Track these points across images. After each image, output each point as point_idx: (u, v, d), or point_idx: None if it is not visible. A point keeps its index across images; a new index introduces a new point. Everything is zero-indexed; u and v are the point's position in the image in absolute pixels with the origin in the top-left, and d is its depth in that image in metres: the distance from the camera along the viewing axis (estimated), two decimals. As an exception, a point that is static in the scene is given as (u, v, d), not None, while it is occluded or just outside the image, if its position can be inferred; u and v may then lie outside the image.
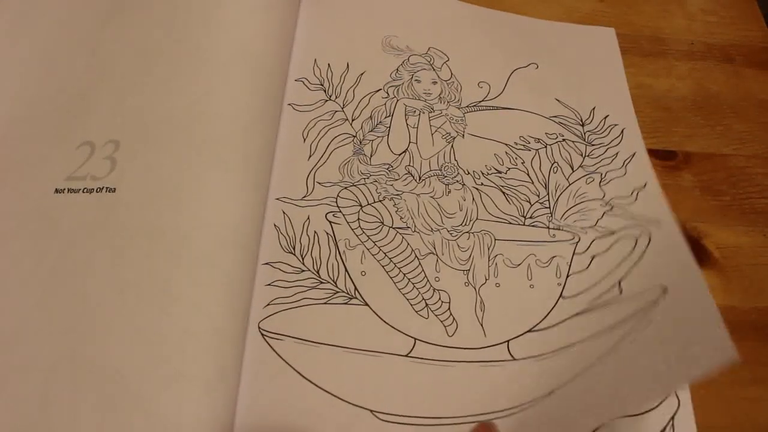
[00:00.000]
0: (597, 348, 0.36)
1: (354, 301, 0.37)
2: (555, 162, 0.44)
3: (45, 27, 0.44)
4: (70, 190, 0.37)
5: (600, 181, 0.43)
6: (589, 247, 0.40)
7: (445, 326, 0.37)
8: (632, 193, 0.42)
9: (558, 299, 0.38)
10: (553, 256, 0.40)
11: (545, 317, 0.38)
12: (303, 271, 0.38)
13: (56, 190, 0.37)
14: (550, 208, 0.42)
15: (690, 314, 0.34)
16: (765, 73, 0.51)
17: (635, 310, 0.36)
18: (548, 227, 0.41)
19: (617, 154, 0.45)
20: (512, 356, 0.36)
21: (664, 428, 0.35)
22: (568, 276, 0.39)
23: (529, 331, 0.37)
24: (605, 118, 0.46)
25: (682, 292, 0.36)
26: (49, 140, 0.39)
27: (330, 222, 0.40)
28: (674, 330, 0.34)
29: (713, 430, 0.36)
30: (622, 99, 0.48)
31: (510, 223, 0.41)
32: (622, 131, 0.46)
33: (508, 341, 0.37)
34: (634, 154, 0.45)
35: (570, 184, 0.43)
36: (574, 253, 0.40)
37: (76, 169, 0.38)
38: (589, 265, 0.40)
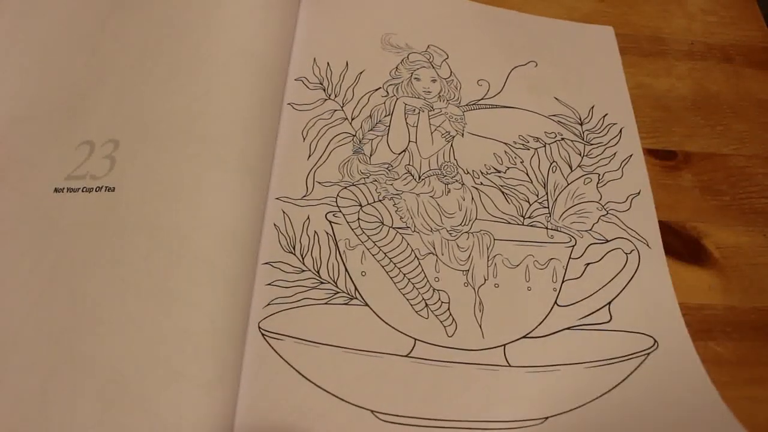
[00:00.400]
0: (589, 385, 0.36)
1: (354, 301, 0.37)
2: (554, 161, 0.44)
3: (45, 27, 0.44)
4: (69, 190, 0.37)
5: (597, 183, 0.43)
6: (584, 253, 0.40)
7: (444, 326, 0.37)
8: (627, 199, 0.43)
9: (553, 306, 0.39)
10: (551, 258, 0.40)
11: (540, 324, 0.38)
12: (303, 271, 0.38)
13: (55, 190, 0.37)
14: (548, 208, 0.42)
15: (683, 382, 0.36)
16: (765, 73, 0.51)
17: (625, 355, 0.37)
18: (546, 227, 0.41)
19: (615, 154, 0.45)
20: (508, 362, 0.37)
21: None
22: (563, 281, 0.39)
23: (524, 336, 0.37)
24: (604, 117, 0.46)
25: (671, 352, 0.37)
26: (49, 139, 0.39)
27: (330, 222, 0.40)
28: (666, 395, 0.36)
29: (713, 431, 0.36)
30: (621, 98, 0.48)
31: (509, 222, 0.41)
32: (620, 131, 0.46)
33: (504, 345, 0.37)
34: (631, 155, 0.45)
35: (568, 184, 0.43)
36: (570, 257, 0.40)
37: (76, 168, 0.38)
38: (582, 273, 0.40)
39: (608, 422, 0.35)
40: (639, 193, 0.43)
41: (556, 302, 0.39)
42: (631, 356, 0.37)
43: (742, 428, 0.34)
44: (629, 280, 0.40)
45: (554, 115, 0.46)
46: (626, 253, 0.41)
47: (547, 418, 0.35)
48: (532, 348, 0.37)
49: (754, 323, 0.40)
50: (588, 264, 0.40)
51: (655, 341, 0.38)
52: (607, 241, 0.41)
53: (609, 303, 0.39)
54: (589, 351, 0.37)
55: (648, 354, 0.37)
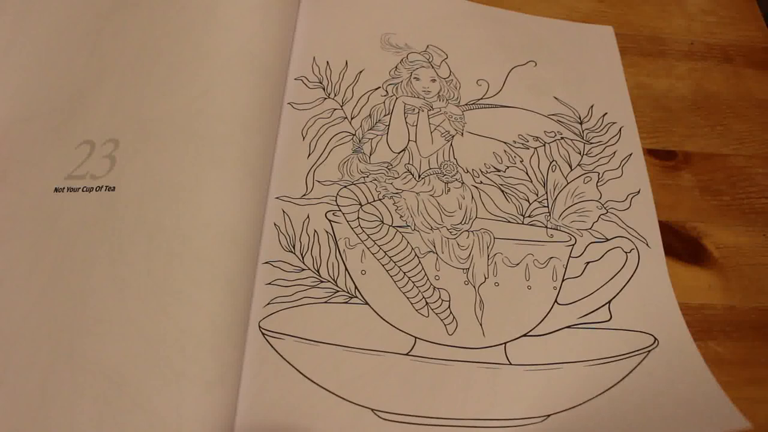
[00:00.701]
0: (589, 383, 0.36)
1: (354, 300, 0.37)
2: (553, 160, 0.44)
3: (45, 27, 0.44)
4: (69, 189, 0.37)
5: (597, 181, 0.43)
6: (584, 251, 0.40)
7: (445, 325, 0.37)
8: (626, 198, 0.43)
9: (553, 304, 0.39)
10: (551, 257, 0.40)
11: (540, 323, 0.38)
12: (303, 270, 0.38)
13: (56, 189, 0.37)
14: (548, 207, 0.42)
15: (684, 377, 0.37)
16: (765, 73, 0.51)
17: (625, 353, 0.37)
18: (546, 227, 0.41)
19: (615, 153, 0.45)
20: (509, 360, 0.37)
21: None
22: (563, 280, 0.39)
23: (524, 335, 0.37)
24: (603, 116, 0.46)
25: (672, 349, 0.38)
26: (49, 139, 0.39)
27: (330, 221, 0.40)
28: (668, 391, 0.36)
29: (713, 430, 0.36)
30: (621, 97, 0.48)
31: (509, 221, 0.41)
32: (620, 129, 0.46)
33: (505, 343, 0.37)
34: (631, 154, 0.45)
35: (568, 183, 0.43)
36: (569, 256, 0.40)
37: (76, 167, 0.38)
38: (583, 271, 0.40)
39: (609, 420, 0.35)
40: (639, 191, 0.43)
41: (556, 301, 0.39)
42: (631, 354, 0.37)
43: (744, 420, 0.34)
44: (629, 279, 0.40)
45: (554, 114, 0.46)
46: (626, 252, 0.41)
47: (548, 416, 0.35)
48: (533, 346, 0.37)
49: (754, 323, 0.40)
50: (588, 263, 0.40)
51: (655, 339, 0.38)
52: (607, 239, 0.41)
53: (609, 302, 0.39)
54: (590, 349, 0.37)
55: (648, 351, 0.37)
